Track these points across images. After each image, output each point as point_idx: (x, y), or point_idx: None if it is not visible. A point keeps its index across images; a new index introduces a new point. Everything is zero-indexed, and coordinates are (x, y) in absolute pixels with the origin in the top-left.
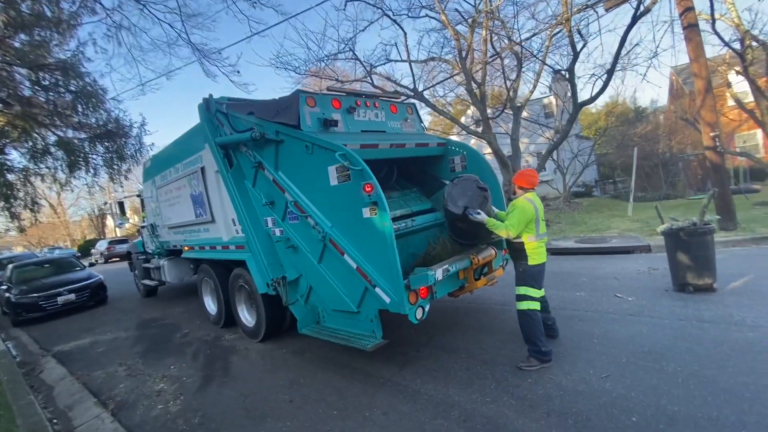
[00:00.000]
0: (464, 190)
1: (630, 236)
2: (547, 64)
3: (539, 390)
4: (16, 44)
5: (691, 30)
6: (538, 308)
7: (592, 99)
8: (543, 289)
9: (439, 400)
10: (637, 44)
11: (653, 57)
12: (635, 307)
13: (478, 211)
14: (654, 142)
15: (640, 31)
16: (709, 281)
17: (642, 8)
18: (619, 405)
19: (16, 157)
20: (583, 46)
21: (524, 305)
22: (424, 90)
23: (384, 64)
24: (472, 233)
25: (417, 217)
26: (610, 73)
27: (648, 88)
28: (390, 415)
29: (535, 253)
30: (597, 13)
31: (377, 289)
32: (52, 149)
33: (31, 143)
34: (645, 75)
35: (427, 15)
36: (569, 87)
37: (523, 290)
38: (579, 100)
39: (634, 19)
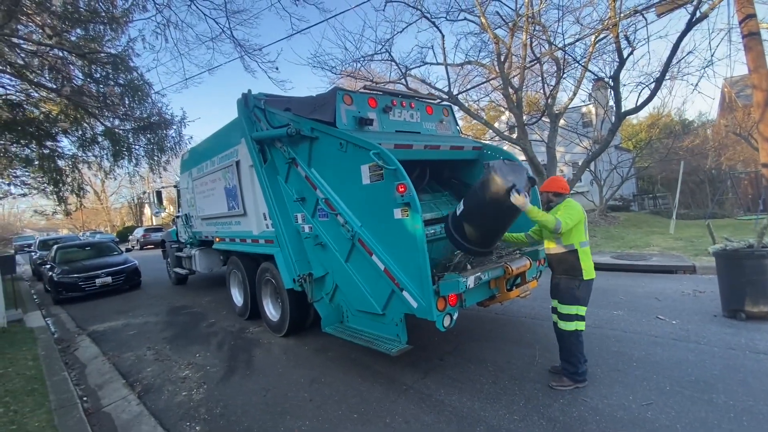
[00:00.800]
0: (514, 171)
1: (672, 255)
2: (589, 71)
3: (573, 412)
4: (73, 38)
5: (752, 39)
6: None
7: (638, 108)
8: None
9: (464, 413)
10: (690, 52)
11: (707, 66)
12: (680, 331)
13: (526, 193)
14: (701, 156)
15: (693, 38)
16: (766, 309)
17: (698, 14)
18: None
19: (66, 144)
20: (631, 53)
21: (574, 326)
22: (459, 94)
23: (419, 66)
24: (486, 235)
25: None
26: (659, 81)
27: (697, 99)
28: (412, 424)
29: (588, 265)
30: (646, 19)
31: (404, 293)
32: (100, 139)
33: (80, 132)
34: (696, 85)
35: (465, 18)
36: (612, 95)
37: (575, 309)
38: (623, 110)
39: (689, 26)
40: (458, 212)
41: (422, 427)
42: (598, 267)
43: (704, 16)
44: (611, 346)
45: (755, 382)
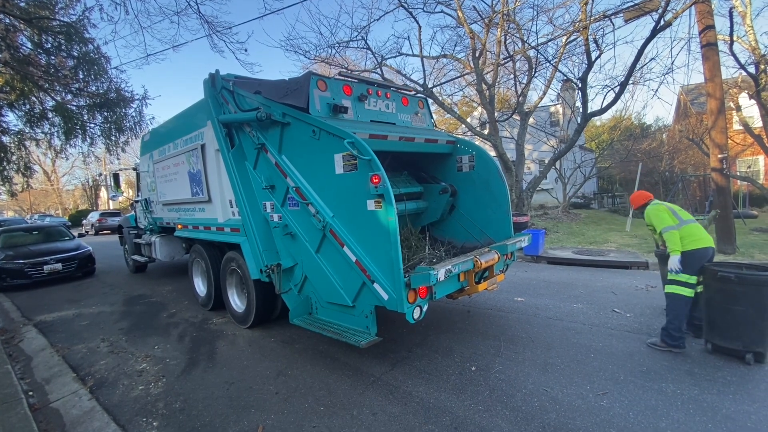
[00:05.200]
0: None
1: (628, 251)
2: (560, 71)
3: (534, 402)
4: (21, 4)
5: (710, 49)
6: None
7: (603, 110)
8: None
9: (431, 404)
10: (652, 59)
11: (668, 73)
12: (633, 324)
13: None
14: (657, 159)
15: (656, 46)
16: None
17: (662, 22)
18: (617, 424)
19: (12, 119)
20: (598, 56)
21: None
22: (434, 87)
23: (395, 57)
24: None
25: (400, 204)
26: (623, 85)
27: (656, 104)
28: (379, 415)
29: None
30: (614, 24)
31: (375, 285)
32: (50, 114)
33: (28, 106)
34: (657, 91)
35: (442, 11)
36: (579, 96)
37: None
38: (589, 111)
39: (654, 33)
40: None
41: (389, 418)
42: (561, 261)
43: (668, 24)
44: (571, 338)
45: (701, 372)
